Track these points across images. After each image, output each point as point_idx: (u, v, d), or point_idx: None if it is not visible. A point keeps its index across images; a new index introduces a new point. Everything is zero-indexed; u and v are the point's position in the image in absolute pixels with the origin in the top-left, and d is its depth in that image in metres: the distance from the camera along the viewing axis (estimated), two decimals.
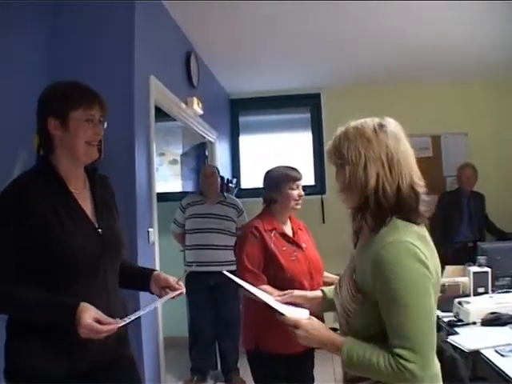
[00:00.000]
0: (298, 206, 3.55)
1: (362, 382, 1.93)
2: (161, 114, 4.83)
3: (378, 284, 1.82)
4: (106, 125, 2.32)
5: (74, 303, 2.02)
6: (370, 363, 1.80)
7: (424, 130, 7.31)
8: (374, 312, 1.85)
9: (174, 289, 2.39)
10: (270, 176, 3.63)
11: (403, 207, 1.91)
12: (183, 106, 5.06)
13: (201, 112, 5.51)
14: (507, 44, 5.80)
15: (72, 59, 3.87)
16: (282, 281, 3.24)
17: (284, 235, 3.49)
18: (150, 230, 4.08)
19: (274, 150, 7.68)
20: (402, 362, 1.74)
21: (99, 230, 2.27)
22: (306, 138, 7.83)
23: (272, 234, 3.44)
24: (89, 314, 1.99)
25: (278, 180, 3.53)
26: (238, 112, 7.93)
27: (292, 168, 3.61)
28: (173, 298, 2.36)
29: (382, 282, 1.80)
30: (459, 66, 6.67)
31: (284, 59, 6.28)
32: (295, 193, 3.51)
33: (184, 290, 2.39)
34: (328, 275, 3.66)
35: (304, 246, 3.54)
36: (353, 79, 7.17)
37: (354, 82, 7.27)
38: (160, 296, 2.41)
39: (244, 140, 7.96)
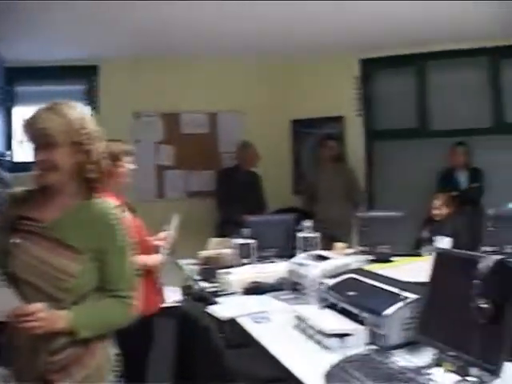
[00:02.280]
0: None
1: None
2: None
3: (103, 242, 2.08)
4: None
5: None
6: (105, 317, 2.11)
7: (201, 107, 7.37)
8: (92, 269, 2.07)
9: None
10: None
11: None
12: None
13: None
14: (286, 25, 5.94)
15: None
16: None
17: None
18: None
19: None
20: (126, 300, 2.11)
21: None
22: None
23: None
24: None
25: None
26: (13, 81, 7.41)
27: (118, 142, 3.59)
28: None
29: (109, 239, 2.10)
30: (237, 46, 6.74)
31: (62, 29, 5.93)
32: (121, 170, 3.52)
33: None
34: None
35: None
36: (132, 54, 6.98)
37: (132, 57, 7.08)
38: None
39: (18, 111, 7.46)
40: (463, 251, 2.24)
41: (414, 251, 4.90)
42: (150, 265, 3.46)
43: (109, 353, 2.20)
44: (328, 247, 4.87)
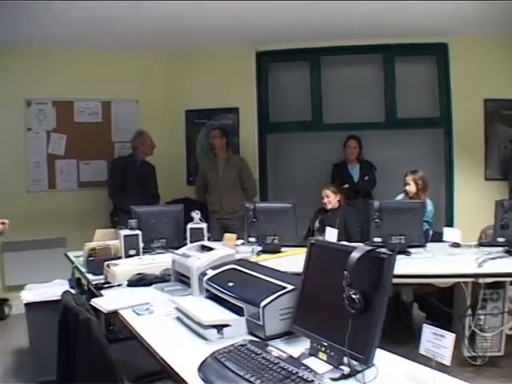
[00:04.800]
0: None
1: None
2: None
3: None
4: None
5: None
6: None
7: (94, 95, 7.24)
8: None
9: None
10: None
11: None
12: None
13: None
14: (181, 15, 5.91)
15: None
16: None
17: None
18: None
19: None
20: None
21: None
22: None
23: None
24: None
25: None
26: None
27: None
28: None
29: None
30: (130, 34, 6.64)
31: None
32: None
33: None
34: None
35: None
36: (24, 40, 6.72)
37: (25, 42, 6.81)
38: None
39: None
40: (335, 242, 2.31)
41: (304, 242, 5.01)
42: None
43: None
44: (221, 238, 4.92)
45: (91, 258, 4.05)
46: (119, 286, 3.53)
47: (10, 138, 6.88)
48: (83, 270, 4.17)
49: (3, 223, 3.81)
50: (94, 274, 3.89)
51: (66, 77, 7.08)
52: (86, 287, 4.40)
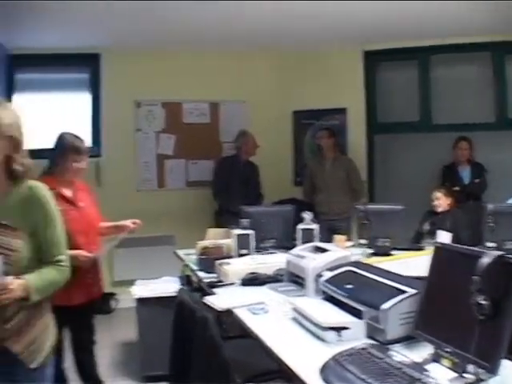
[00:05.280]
0: (78, 177, 3.74)
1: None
2: None
3: (35, 218, 2.35)
4: None
5: None
6: (50, 281, 2.35)
7: (203, 97, 7.35)
8: (30, 243, 2.31)
9: None
10: (59, 141, 3.69)
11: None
12: None
13: None
14: (289, 15, 5.89)
15: None
16: None
17: (62, 195, 3.55)
18: None
19: (50, 109, 7.25)
20: (63, 263, 2.43)
21: None
22: (84, 99, 7.47)
23: (51, 193, 3.38)
24: None
25: (65, 148, 3.63)
26: (15, 68, 7.36)
27: (81, 140, 3.71)
28: None
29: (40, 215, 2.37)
30: (240, 35, 6.69)
31: (65, 16, 5.87)
32: (77, 166, 3.64)
33: None
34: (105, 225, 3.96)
35: (81, 205, 3.70)
36: (135, 43, 6.93)
37: (135, 46, 7.04)
38: None
39: (19, 98, 7.41)
40: (463, 246, 2.21)
41: (414, 245, 4.89)
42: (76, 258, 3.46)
43: (50, 313, 2.52)
44: (328, 239, 4.85)
45: (203, 257, 4.09)
46: (232, 284, 3.55)
47: (121, 139, 7.10)
48: (194, 267, 4.21)
49: (134, 223, 3.90)
50: (206, 272, 3.91)
51: (174, 78, 7.23)
52: (196, 285, 4.44)
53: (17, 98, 7.29)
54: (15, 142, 2.29)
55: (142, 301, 4.70)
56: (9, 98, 7.18)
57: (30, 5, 5.42)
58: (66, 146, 3.64)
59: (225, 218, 6.23)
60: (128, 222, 3.91)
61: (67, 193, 3.67)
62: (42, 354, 2.38)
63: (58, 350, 3.46)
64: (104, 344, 4.93)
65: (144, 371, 4.65)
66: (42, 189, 2.41)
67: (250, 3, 5.41)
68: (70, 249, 3.37)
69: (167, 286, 4.76)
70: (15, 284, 2.18)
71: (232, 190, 6.62)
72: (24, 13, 5.70)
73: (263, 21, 6.11)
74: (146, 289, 4.75)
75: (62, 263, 2.42)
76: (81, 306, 3.67)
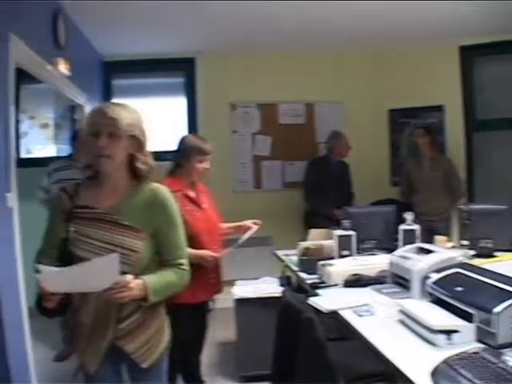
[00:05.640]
0: (202, 177, 3.97)
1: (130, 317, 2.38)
2: (30, 76, 4.56)
3: (158, 220, 2.42)
4: None
5: None
6: (168, 283, 2.40)
7: (298, 97, 7.38)
8: (151, 244, 2.40)
9: None
10: (183, 142, 3.91)
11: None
12: (48, 67, 4.75)
13: (68, 73, 5.22)
14: (384, 14, 5.85)
15: None
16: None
17: (187, 196, 3.82)
18: (8, 194, 3.85)
19: (147, 114, 7.43)
20: (184, 266, 2.48)
21: None
22: (180, 103, 7.65)
23: (178, 194, 3.57)
24: None
25: (189, 150, 3.83)
26: (111, 75, 7.63)
27: (204, 140, 3.91)
28: None
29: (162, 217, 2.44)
30: (336, 36, 6.69)
31: (159, 22, 6.05)
32: (201, 166, 3.86)
33: None
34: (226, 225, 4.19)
35: (205, 206, 3.94)
36: (229, 45, 7.05)
37: (229, 48, 7.16)
38: None
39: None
40: None
41: None
42: (203, 258, 3.71)
43: (164, 315, 2.59)
44: (427, 240, 4.77)
45: (305, 257, 4.10)
46: (335, 285, 3.55)
47: (218, 141, 7.16)
48: (295, 268, 4.23)
49: (255, 223, 4.07)
50: (308, 273, 3.93)
51: (269, 80, 7.31)
52: (296, 285, 4.46)
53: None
54: (137, 142, 2.40)
55: (240, 301, 4.74)
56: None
57: (124, 14, 5.62)
58: (189, 148, 3.82)
59: (316, 219, 6.23)
60: (249, 223, 4.08)
61: (191, 194, 3.86)
62: (154, 356, 2.45)
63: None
64: None
65: (240, 371, 4.70)
66: (165, 191, 2.49)
67: (348, 3, 5.41)
68: (195, 248, 3.55)
69: (267, 287, 4.81)
70: (134, 283, 2.24)
71: (324, 192, 6.58)
72: (119, 21, 5.91)
73: (358, 21, 6.09)
74: (246, 289, 4.80)
75: (182, 266, 2.48)
76: (202, 304, 3.94)
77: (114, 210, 2.39)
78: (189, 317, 3.82)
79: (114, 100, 7.43)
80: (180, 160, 3.88)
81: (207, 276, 3.83)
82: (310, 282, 3.72)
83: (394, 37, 6.80)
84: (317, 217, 6.36)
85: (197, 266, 3.55)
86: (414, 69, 7.38)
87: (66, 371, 4.81)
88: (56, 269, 2.18)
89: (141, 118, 2.47)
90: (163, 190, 2.49)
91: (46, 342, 5.57)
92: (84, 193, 2.46)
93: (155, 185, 2.50)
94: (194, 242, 3.57)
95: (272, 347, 3.13)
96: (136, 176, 2.46)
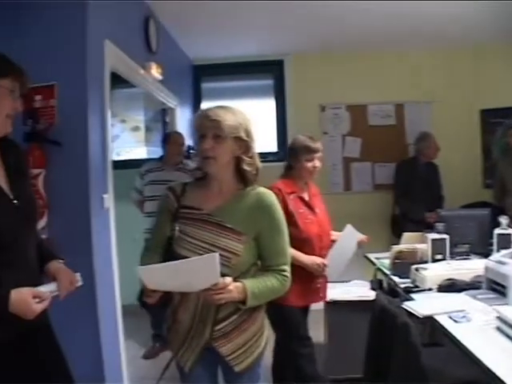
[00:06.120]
0: (313, 176, 3.89)
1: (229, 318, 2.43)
2: (122, 80, 4.74)
3: (261, 224, 2.43)
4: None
5: (4, 295, 2.00)
6: (268, 288, 2.39)
7: (387, 98, 7.34)
8: (252, 248, 2.43)
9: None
10: (292, 143, 3.97)
11: None
12: (141, 71, 4.93)
13: (160, 77, 5.40)
14: (475, 12, 5.75)
15: (24, 21, 3.72)
16: (296, 240, 3.39)
17: (302, 199, 3.82)
18: (105, 196, 4.01)
19: None
20: (286, 273, 2.46)
21: (15, 202, 2.20)
22: (268, 105, 7.74)
23: (291, 197, 3.72)
24: (29, 299, 2.02)
25: (297, 149, 3.85)
26: (200, 78, 7.81)
27: (313, 139, 3.89)
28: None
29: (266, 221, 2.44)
30: (425, 34, 6.61)
31: (247, 25, 6.15)
32: (310, 165, 3.81)
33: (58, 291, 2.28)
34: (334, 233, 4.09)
35: (317, 210, 3.89)
36: (316, 47, 7.09)
37: (317, 50, 7.20)
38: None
39: (207, 106, 7.78)
40: None
41: None
42: (307, 265, 3.69)
43: (264, 320, 2.60)
44: None
45: (398, 261, 4.08)
46: (429, 290, 3.52)
47: None
48: (387, 272, 4.21)
49: (367, 239, 4.13)
50: (400, 277, 3.90)
51: (358, 80, 7.29)
52: (388, 289, 4.44)
53: (205, 105, 7.70)
54: (243, 144, 2.42)
55: (332, 304, 4.72)
56: (197, 107, 7.62)
57: (213, 18, 5.75)
58: (297, 147, 3.85)
59: (405, 222, 6.18)
60: (363, 237, 4.10)
61: (305, 197, 3.86)
62: (249, 359, 2.48)
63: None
64: None
65: (330, 373, 4.67)
66: (271, 196, 2.50)
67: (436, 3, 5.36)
68: (306, 253, 3.61)
69: (358, 290, 4.80)
70: (233, 286, 2.27)
71: (413, 194, 6.50)
72: (208, 25, 6.05)
73: (451, 18, 6.00)
74: (338, 292, 4.80)
75: (284, 272, 2.46)
76: (304, 308, 3.91)
77: (218, 212, 2.42)
78: (293, 318, 3.82)
79: (204, 103, 7.64)
80: (291, 161, 3.90)
81: (314, 282, 3.84)
82: (403, 285, 3.69)
83: (484, 35, 6.65)
84: (406, 220, 6.31)
85: (303, 269, 3.63)
86: (506, 67, 7.19)
87: (155, 368, 5.00)
88: (157, 265, 2.25)
89: (247, 120, 2.47)
90: (269, 194, 2.50)
91: (136, 339, 5.77)
92: (191, 193, 2.52)
93: (261, 189, 2.51)
94: (305, 246, 3.65)
95: (363, 350, 3.14)
96: (243, 179, 2.48)
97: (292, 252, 3.32)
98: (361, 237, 4.07)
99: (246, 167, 2.44)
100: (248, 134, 2.43)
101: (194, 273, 2.19)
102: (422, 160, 6.70)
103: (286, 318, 3.78)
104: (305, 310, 4.00)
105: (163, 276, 2.24)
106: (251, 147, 2.46)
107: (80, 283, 2.40)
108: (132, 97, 7.12)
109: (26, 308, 2.02)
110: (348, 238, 3.97)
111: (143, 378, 4.89)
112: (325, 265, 3.73)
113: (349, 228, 3.96)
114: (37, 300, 2.05)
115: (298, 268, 3.36)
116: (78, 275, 2.39)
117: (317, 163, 3.84)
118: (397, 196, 6.82)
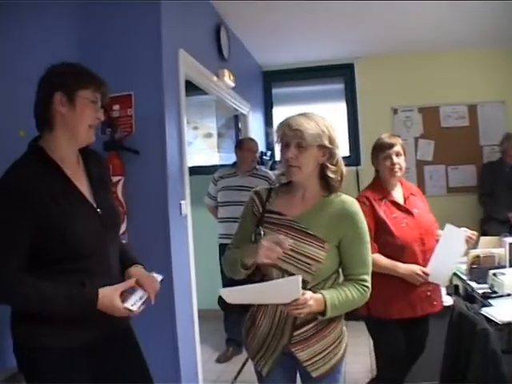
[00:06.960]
0: (396, 174, 3.55)
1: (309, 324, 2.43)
2: (193, 88, 4.82)
3: (344, 232, 2.40)
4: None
5: (93, 294, 2.11)
6: (348, 299, 2.36)
7: (460, 99, 7.22)
8: (334, 256, 2.41)
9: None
10: (373, 145, 3.71)
11: None
12: (214, 78, 5.01)
13: (232, 84, 5.48)
14: None
15: (99, 32, 3.87)
16: (392, 248, 3.37)
17: (394, 203, 3.54)
18: (182, 202, 4.09)
19: None
20: (366, 283, 2.42)
21: (98, 211, 2.28)
22: (339, 109, 7.73)
23: (382, 203, 3.52)
24: (116, 297, 2.14)
25: (373, 149, 3.67)
26: (270, 84, 7.87)
27: (388, 136, 3.66)
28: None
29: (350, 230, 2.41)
30: (497, 33, 6.49)
31: (316, 29, 6.16)
32: (387, 162, 3.55)
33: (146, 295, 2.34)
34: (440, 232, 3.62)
35: (415, 211, 3.54)
36: (387, 49, 7.04)
37: (387, 52, 7.15)
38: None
39: (278, 112, 7.86)
40: None
41: None
42: (404, 275, 3.38)
43: (343, 326, 2.57)
44: None
45: (474, 266, 4.01)
46: (508, 295, 3.45)
47: None
48: (464, 277, 4.14)
49: (474, 234, 3.59)
50: (477, 283, 3.84)
51: (430, 82, 7.22)
52: (464, 294, 4.38)
53: (276, 110, 7.79)
54: (327, 151, 2.41)
55: None
56: (269, 112, 7.68)
57: (282, 24, 5.82)
58: (373, 147, 3.67)
59: (491, 226, 6.08)
60: (469, 233, 3.58)
61: (398, 199, 3.58)
62: (326, 366, 2.47)
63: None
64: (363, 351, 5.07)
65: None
66: (356, 205, 2.48)
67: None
68: (406, 260, 3.36)
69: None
70: (313, 300, 2.26)
71: (497, 196, 6.38)
72: (277, 31, 6.12)
73: None
74: None
75: (364, 283, 2.42)
76: (423, 317, 3.54)
77: (302, 219, 2.43)
78: (393, 333, 3.50)
79: (275, 108, 7.70)
80: (374, 164, 3.69)
81: (423, 290, 3.45)
82: (480, 291, 3.64)
83: None
84: (491, 221, 6.21)
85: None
86: None
87: (228, 372, 5.07)
88: (239, 287, 2.30)
89: (329, 127, 2.44)
90: (353, 202, 2.48)
91: (210, 343, 5.85)
92: (276, 199, 2.54)
93: (345, 197, 2.49)
94: (403, 252, 3.38)
95: (438, 356, 3.12)
96: (327, 185, 2.47)
97: (387, 264, 3.32)
98: (467, 233, 3.57)
99: (330, 174, 2.43)
100: (331, 141, 2.41)
101: (277, 292, 2.24)
102: (508, 161, 6.52)
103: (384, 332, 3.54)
104: (415, 321, 3.53)
105: (245, 296, 2.31)
106: (335, 154, 2.43)
107: (160, 277, 2.48)
108: (204, 104, 7.23)
109: (111, 306, 2.12)
110: (450, 237, 3.47)
111: (216, 381, 4.98)
112: (424, 272, 3.34)
113: (448, 227, 3.50)
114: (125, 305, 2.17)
115: (398, 279, 3.33)
116: (155, 274, 2.47)
117: (395, 159, 3.53)
118: (480, 197, 6.71)
